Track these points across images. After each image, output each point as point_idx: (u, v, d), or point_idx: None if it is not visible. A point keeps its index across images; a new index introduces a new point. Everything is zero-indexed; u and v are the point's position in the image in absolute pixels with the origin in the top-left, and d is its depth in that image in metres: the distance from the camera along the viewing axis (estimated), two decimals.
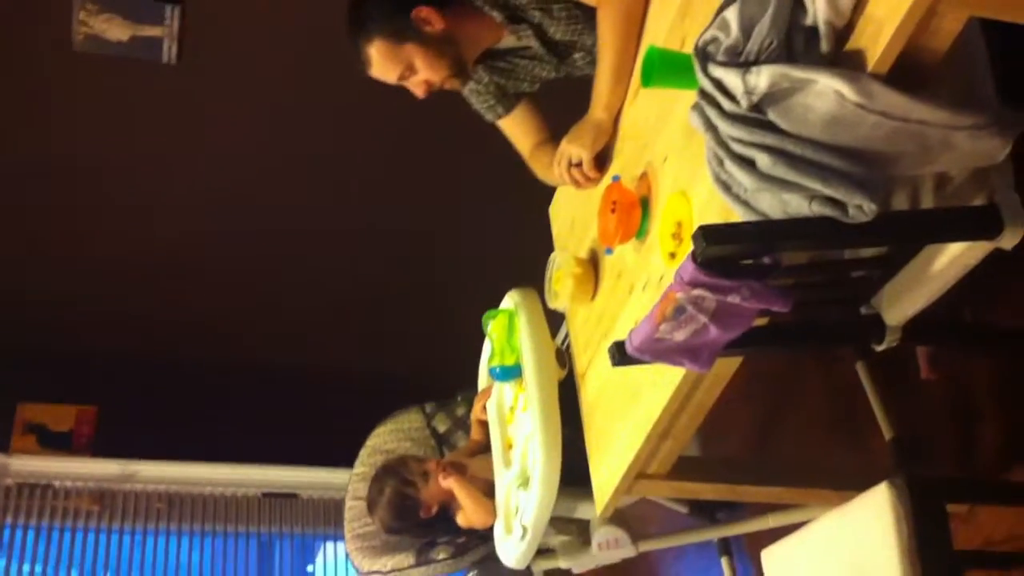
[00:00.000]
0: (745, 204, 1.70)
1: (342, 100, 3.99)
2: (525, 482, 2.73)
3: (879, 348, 2.13)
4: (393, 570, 3.37)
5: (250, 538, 5.13)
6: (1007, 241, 1.76)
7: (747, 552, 3.56)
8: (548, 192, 2.99)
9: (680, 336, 1.78)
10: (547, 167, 2.72)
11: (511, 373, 2.82)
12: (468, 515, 3.03)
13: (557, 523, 2.91)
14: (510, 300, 2.90)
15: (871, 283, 2.05)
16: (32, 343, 4.83)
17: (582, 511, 2.86)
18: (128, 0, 3.75)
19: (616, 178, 2.40)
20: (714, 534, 3.25)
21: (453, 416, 3.66)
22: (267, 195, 4.48)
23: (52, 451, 5.02)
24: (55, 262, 4.66)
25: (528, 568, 2.83)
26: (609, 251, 2.43)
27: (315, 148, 4.30)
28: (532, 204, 3.08)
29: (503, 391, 2.97)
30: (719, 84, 1.67)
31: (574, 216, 2.80)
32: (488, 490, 2.97)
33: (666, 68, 2.00)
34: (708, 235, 1.63)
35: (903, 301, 2.03)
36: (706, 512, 3.35)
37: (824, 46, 1.62)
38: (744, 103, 1.64)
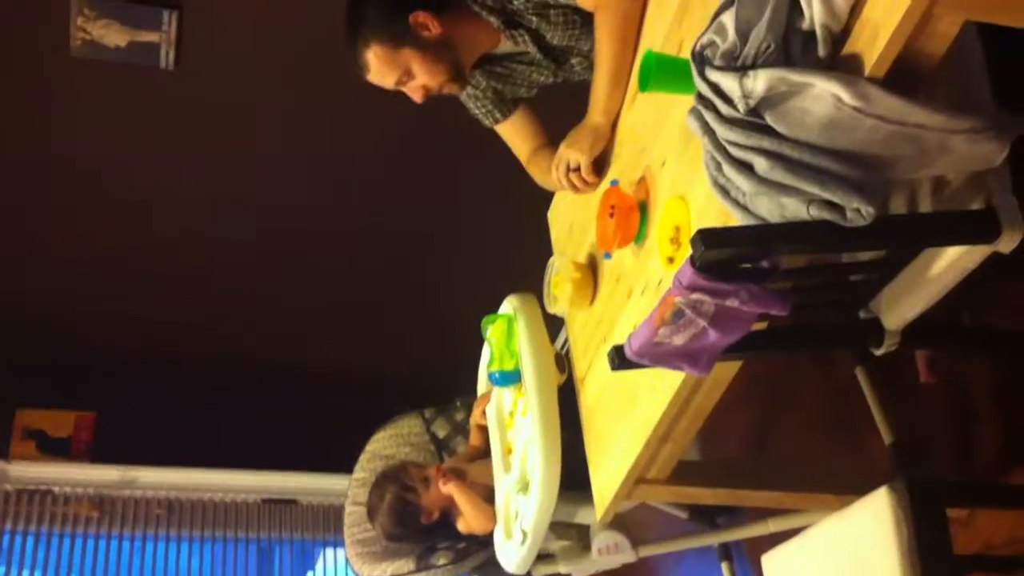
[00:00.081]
0: (743, 208, 1.70)
1: (340, 104, 3.99)
2: (525, 487, 2.73)
3: (878, 352, 2.13)
4: (393, 575, 3.37)
5: (250, 544, 5.12)
6: (1005, 244, 1.76)
7: (747, 557, 3.56)
8: (547, 197, 2.99)
9: (679, 340, 1.78)
10: (545, 172, 2.72)
11: (510, 378, 2.82)
12: (468, 521, 3.04)
13: (557, 528, 2.92)
14: (509, 305, 2.90)
15: (869, 287, 2.05)
16: (31, 349, 4.83)
17: (582, 516, 2.87)
18: (126, 6, 3.75)
19: (614, 182, 2.40)
20: (714, 539, 3.26)
21: (452, 421, 3.66)
22: (266, 200, 4.48)
23: (51, 457, 5.01)
24: (54, 267, 4.66)
25: (528, 573, 2.83)
26: (608, 255, 2.43)
27: (313, 152, 4.30)
28: (531, 209, 3.09)
29: (502, 396, 2.97)
30: (716, 88, 1.67)
31: (572, 221, 2.80)
32: (488, 495, 2.97)
33: (663, 72, 2.00)
34: (706, 239, 1.63)
35: (902, 305, 2.03)
36: (706, 517, 3.36)
37: (821, 50, 1.62)
38: (741, 107, 1.63)
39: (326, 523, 5.19)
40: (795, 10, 1.63)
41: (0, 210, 4.39)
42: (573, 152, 2.57)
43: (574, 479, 2.60)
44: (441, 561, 3.27)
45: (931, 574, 2.00)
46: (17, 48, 3.81)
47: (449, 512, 3.11)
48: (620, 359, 1.93)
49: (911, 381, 2.86)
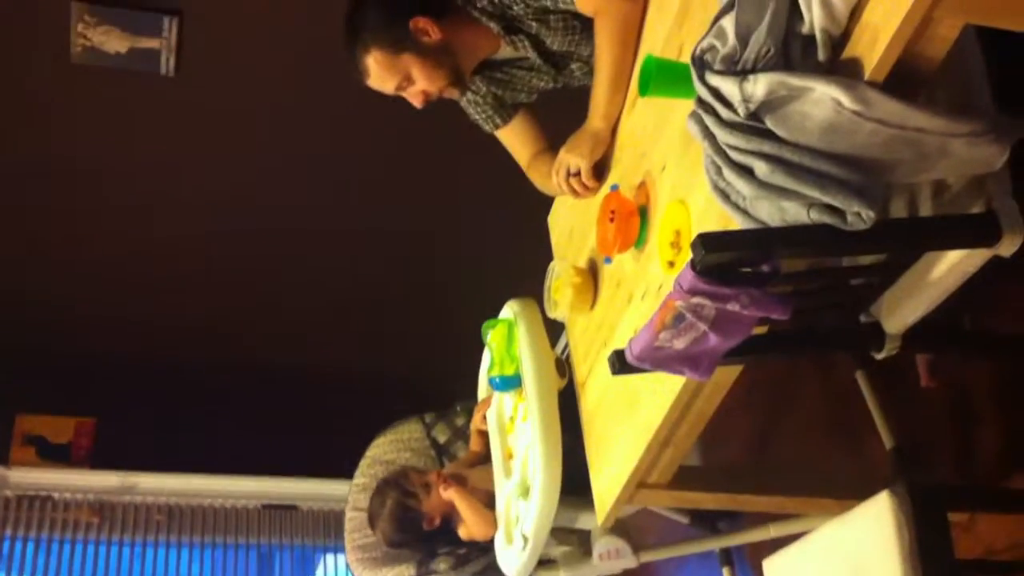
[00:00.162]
0: (743, 212, 1.70)
1: (340, 109, 3.99)
2: (525, 492, 2.73)
3: (879, 356, 2.13)
4: None
5: (250, 550, 5.12)
6: (1005, 248, 1.75)
7: (748, 562, 3.56)
8: (547, 201, 3.00)
9: (680, 344, 1.78)
10: (546, 177, 2.72)
11: (511, 383, 2.82)
12: (469, 527, 3.03)
13: (558, 533, 2.91)
14: (509, 310, 2.90)
15: (870, 291, 2.05)
16: (31, 354, 4.83)
17: (583, 521, 2.86)
18: (126, 12, 3.75)
19: (614, 187, 2.40)
20: (715, 544, 3.25)
21: (453, 426, 3.66)
22: (266, 204, 4.48)
23: (51, 463, 5.01)
24: (54, 272, 4.66)
25: None
26: (608, 260, 2.43)
27: (313, 156, 4.30)
28: (531, 214, 3.09)
29: (503, 401, 2.97)
30: (716, 92, 1.67)
31: (573, 225, 2.80)
32: (488, 501, 2.96)
33: (664, 77, 2.00)
34: (707, 243, 1.62)
35: (902, 309, 2.03)
36: (707, 522, 3.35)
37: (821, 54, 1.62)
38: (741, 111, 1.63)
39: (326, 529, 5.18)
40: (795, 14, 1.62)
41: (1, 214, 4.39)
42: (573, 157, 2.57)
43: (575, 484, 2.60)
44: (442, 567, 3.27)
45: None
46: (18, 54, 3.81)
47: (450, 518, 3.10)
48: (621, 363, 1.93)
49: (912, 385, 2.86)
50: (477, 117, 2.85)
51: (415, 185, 4.44)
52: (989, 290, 2.08)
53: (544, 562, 2.95)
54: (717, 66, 1.69)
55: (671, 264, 2.08)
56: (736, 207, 1.70)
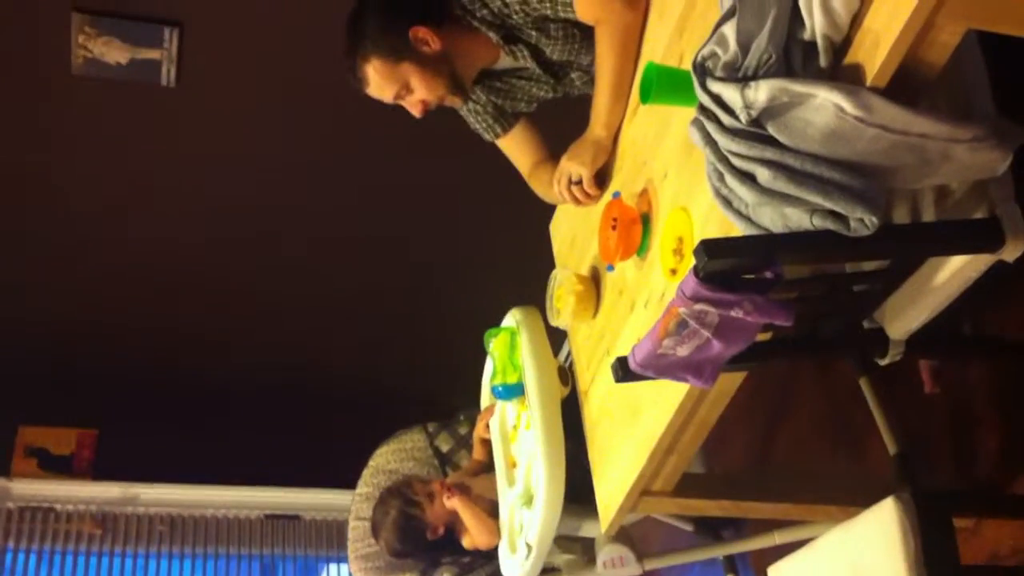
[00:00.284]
0: (746, 219, 1.70)
1: (341, 118, 3.99)
2: (529, 501, 2.73)
3: (882, 362, 2.13)
4: None
5: (253, 560, 5.11)
6: (1009, 253, 1.75)
7: (752, 569, 3.55)
8: (549, 210, 2.99)
9: (683, 351, 1.78)
10: (547, 185, 2.72)
11: (513, 391, 2.81)
12: (473, 536, 3.03)
13: (561, 542, 2.91)
14: (511, 318, 2.90)
15: (873, 297, 2.05)
16: (33, 366, 4.83)
17: (587, 529, 2.86)
18: (127, 23, 3.76)
19: (616, 195, 2.40)
20: (719, 551, 3.25)
21: (456, 435, 3.66)
22: (268, 215, 4.49)
23: (53, 474, 5.02)
24: (55, 284, 4.67)
25: None
26: (610, 268, 2.43)
27: (314, 165, 4.30)
28: (533, 222, 3.09)
29: (505, 409, 2.97)
30: (718, 99, 1.67)
31: (575, 233, 2.80)
32: (492, 510, 2.96)
33: (665, 84, 2.00)
34: (710, 249, 1.62)
35: (906, 314, 2.02)
36: (711, 530, 3.35)
37: (822, 60, 1.62)
38: (743, 118, 1.63)
39: (329, 539, 5.18)
40: (796, 21, 1.63)
41: (1, 225, 4.39)
42: (575, 165, 2.57)
43: (578, 492, 2.60)
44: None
45: None
46: (18, 66, 3.82)
47: (453, 527, 3.10)
48: (624, 371, 1.93)
49: (915, 391, 2.86)
50: (477, 126, 2.85)
51: (416, 194, 4.45)
52: (993, 295, 2.08)
53: (548, 570, 2.95)
54: (719, 73, 1.69)
55: (673, 271, 2.08)
56: (738, 214, 1.70)
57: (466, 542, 3.07)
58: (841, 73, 1.60)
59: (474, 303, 3.71)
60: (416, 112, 2.66)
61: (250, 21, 3.78)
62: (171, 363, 5.08)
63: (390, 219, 4.56)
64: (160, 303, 4.83)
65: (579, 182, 2.58)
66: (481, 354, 3.01)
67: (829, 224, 1.59)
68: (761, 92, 1.60)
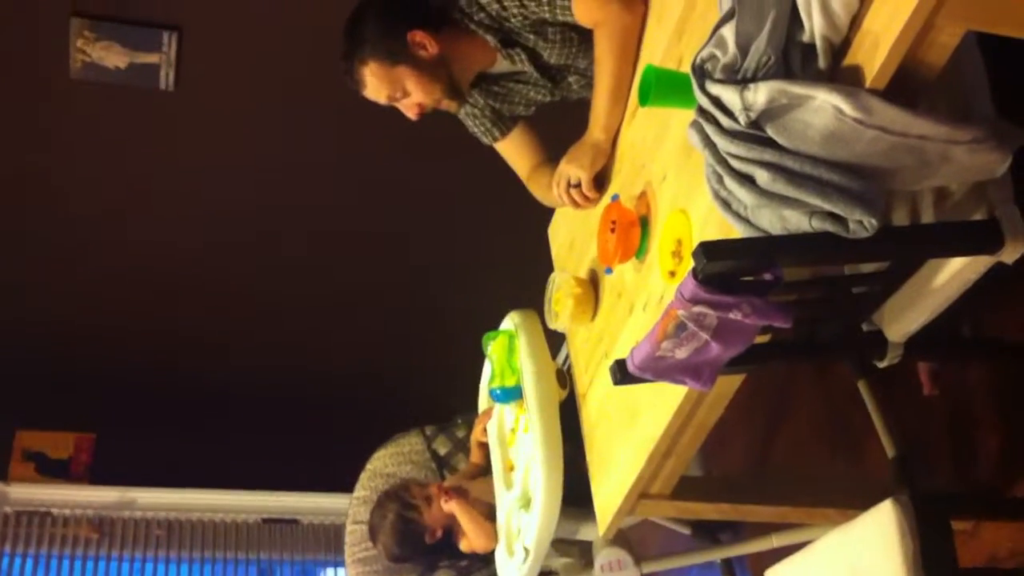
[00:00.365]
0: (745, 221, 1.70)
1: (340, 121, 4.00)
2: (527, 504, 2.73)
3: (881, 364, 2.13)
4: None
5: (250, 565, 5.10)
6: (1008, 255, 1.75)
7: (750, 572, 3.55)
8: (547, 213, 3.00)
9: (682, 353, 1.78)
10: (546, 188, 2.72)
11: (512, 394, 2.81)
12: (470, 540, 3.02)
13: (559, 545, 2.91)
14: (510, 321, 2.90)
15: (872, 299, 2.05)
16: (30, 370, 4.82)
17: (584, 533, 2.85)
18: (125, 27, 3.76)
19: (615, 198, 2.40)
20: (717, 555, 3.25)
21: (453, 438, 3.65)
22: (267, 220, 4.49)
23: (51, 479, 5.01)
24: (53, 288, 4.66)
25: None
26: (609, 271, 2.43)
27: (313, 169, 4.30)
28: (531, 225, 3.09)
29: (504, 413, 2.97)
30: (717, 101, 1.67)
31: (573, 236, 2.80)
32: (489, 513, 2.96)
33: (664, 87, 2.00)
34: (709, 251, 1.62)
35: (905, 317, 2.02)
36: (709, 533, 3.35)
37: (821, 62, 1.62)
38: (742, 120, 1.63)
39: (327, 543, 5.17)
40: (795, 23, 1.63)
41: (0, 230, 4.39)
42: (573, 168, 2.57)
43: (576, 496, 2.59)
44: None
45: None
46: (17, 70, 3.82)
47: (451, 531, 3.09)
48: (622, 374, 1.92)
49: (914, 393, 2.86)
50: (476, 130, 2.85)
51: (414, 196, 4.45)
52: (992, 297, 2.08)
53: (545, 574, 2.94)
54: (718, 75, 1.69)
55: (672, 274, 2.08)
56: (737, 216, 1.70)
57: (463, 546, 3.06)
58: (840, 75, 1.61)
59: (472, 306, 3.71)
60: (412, 115, 2.67)
61: (249, 25, 3.78)
62: (168, 367, 5.07)
63: (388, 222, 4.56)
64: (157, 307, 4.82)
65: (578, 185, 2.58)
66: (479, 357, 3.01)
67: (828, 226, 1.59)
68: (760, 94, 1.60)
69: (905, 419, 2.72)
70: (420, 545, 3.12)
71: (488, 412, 3.05)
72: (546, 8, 2.50)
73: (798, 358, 2.26)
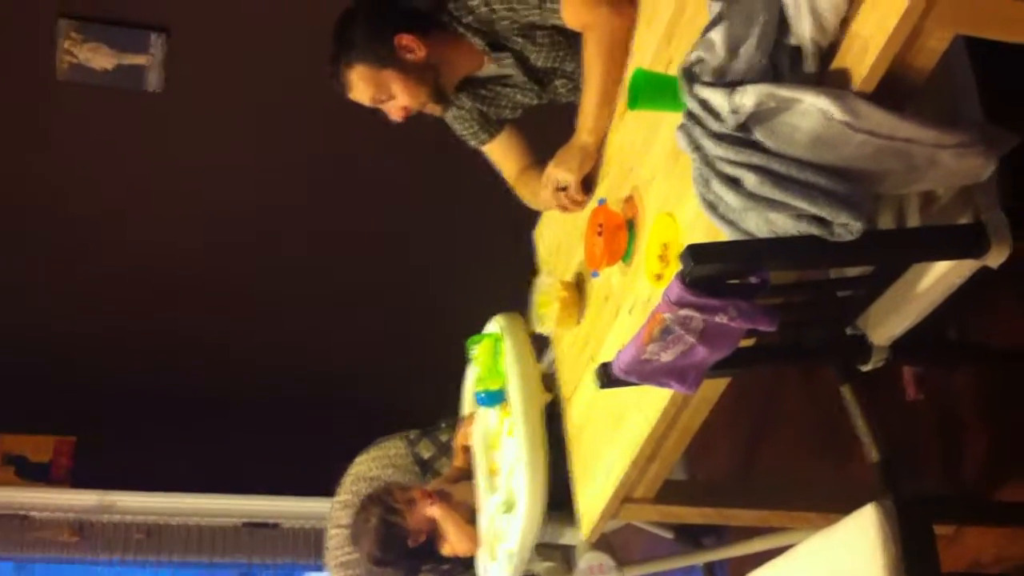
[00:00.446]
0: (732, 224, 1.70)
1: (328, 122, 3.99)
2: (510, 508, 2.72)
3: (865, 368, 2.13)
4: None
5: (231, 568, 5.09)
6: (993, 259, 1.76)
7: None
8: (533, 216, 3.00)
9: (667, 357, 1.78)
10: (533, 192, 2.73)
11: (496, 398, 2.81)
12: (453, 544, 3.02)
13: (542, 549, 2.90)
14: (495, 324, 2.90)
15: (857, 303, 2.05)
16: (10, 374, 4.79)
17: (567, 537, 2.85)
18: (113, 29, 3.75)
19: (602, 201, 2.40)
20: (700, 559, 3.25)
21: (437, 442, 3.65)
22: (250, 222, 4.47)
23: (30, 482, 4.98)
24: (33, 291, 4.64)
25: None
26: (595, 274, 2.43)
27: (302, 174, 4.30)
28: (517, 228, 3.09)
29: (488, 416, 2.96)
30: (705, 104, 1.68)
31: (560, 240, 2.80)
32: (472, 517, 2.95)
33: (652, 90, 2.01)
34: (696, 254, 1.62)
35: (890, 320, 2.03)
36: (692, 537, 3.35)
37: (810, 65, 1.63)
38: (730, 122, 1.64)
39: (309, 546, 5.14)
40: (784, 26, 1.63)
41: None
42: (561, 171, 2.57)
43: (559, 500, 2.59)
44: None
45: None
46: (3, 71, 3.81)
47: (434, 535, 3.08)
48: (607, 377, 1.93)
49: (898, 398, 2.87)
50: (463, 133, 2.86)
51: (399, 200, 4.44)
52: (977, 302, 2.09)
53: None
54: (706, 78, 1.70)
55: (659, 277, 2.08)
56: (724, 219, 1.71)
57: (446, 550, 3.05)
58: (828, 78, 1.61)
59: (457, 310, 3.70)
60: (397, 117, 2.68)
61: (237, 27, 3.78)
62: (149, 371, 5.04)
63: (373, 226, 4.56)
64: (139, 312, 4.80)
65: (565, 188, 2.58)
66: (464, 361, 3.00)
67: (814, 229, 1.60)
68: (748, 97, 1.60)
69: (889, 424, 2.73)
70: (402, 549, 3.11)
71: (472, 416, 3.05)
72: (535, 11, 2.51)
73: (783, 362, 2.27)
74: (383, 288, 4.85)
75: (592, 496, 2.42)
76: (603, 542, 2.85)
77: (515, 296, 2.67)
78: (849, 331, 2.11)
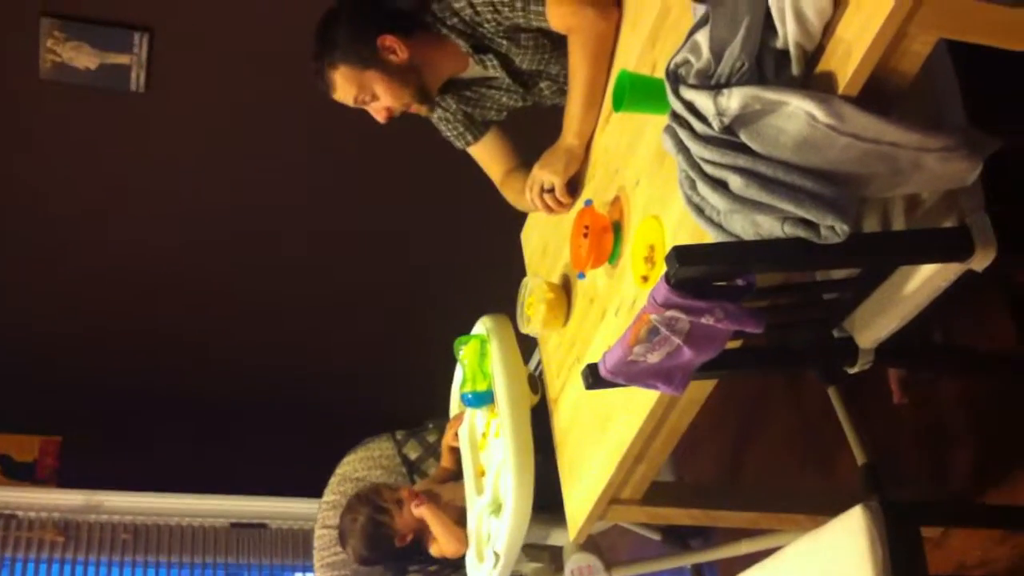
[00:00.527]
0: (718, 226, 1.70)
1: (312, 122, 3.98)
2: (497, 509, 2.72)
3: (852, 371, 2.13)
4: None
5: (218, 569, 5.07)
6: (978, 262, 1.76)
7: None
8: (520, 217, 3.00)
9: (654, 358, 1.78)
10: (519, 193, 2.73)
11: (483, 399, 2.81)
12: (440, 544, 3.01)
13: (529, 550, 2.90)
14: (482, 326, 2.90)
15: (843, 305, 2.06)
16: None
17: (555, 538, 2.85)
18: (96, 28, 3.73)
19: (588, 203, 2.40)
20: (687, 560, 3.25)
21: (424, 443, 3.64)
22: (235, 221, 4.46)
23: (16, 482, 4.97)
24: (18, 290, 4.62)
25: None
26: (581, 276, 2.43)
27: (286, 173, 4.29)
28: (504, 229, 3.08)
29: (475, 417, 2.96)
30: (691, 106, 1.68)
31: (546, 241, 2.80)
32: (460, 518, 2.95)
33: (638, 92, 2.01)
34: (681, 256, 1.62)
35: (875, 323, 2.03)
36: (679, 539, 3.35)
37: (795, 68, 1.62)
38: (716, 125, 1.64)
39: (296, 547, 5.14)
40: (769, 29, 1.63)
41: None
42: (547, 173, 2.57)
43: (547, 501, 2.59)
44: None
45: None
46: None
47: (421, 535, 3.08)
48: (594, 378, 1.93)
49: (884, 402, 2.87)
50: (448, 134, 2.86)
51: (386, 200, 4.44)
52: (962, 304, 2.09)
53: None
54: (691, 80, 1.69)
55: (644, 279, 2.08)
56: (710, 221, 1.71)
57: (434, 550, 3.05)
58: (813, 81, 1.61)
59: (444, 311, 3.70)
60: (380, 118, 2.69)
61: (220, 26, 3.77)
62: (136, 371, 5.03)
63: (360, 227, 4.55)
64: (124, 311, 4.79)
65: (551, 190, 2.58)
66: (451, 362, 3.00)
67: (800, 232, 1.60)
68: (734, 99, 1.60)
69: (876, 428, 2.74)
70: (390, 549, 3.10)
71: (459, 417, 3.04)
72: (520, 14, 2.50)
73: (770, 364, 2.26)
74: (376, 288, 4.85)
75: (579, 497, 2.42)
76: (591, 543, 2.85)
77: (510, 297, 2.67)
78: (835, 334, 2.11)
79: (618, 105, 2.03)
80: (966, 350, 2.60)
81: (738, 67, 1.62)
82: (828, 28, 1.59)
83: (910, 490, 2.85)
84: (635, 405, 2.12)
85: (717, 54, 1.66)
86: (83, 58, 3.76)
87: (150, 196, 4.31)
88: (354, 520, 3.10)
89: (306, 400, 5.13)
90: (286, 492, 5.10)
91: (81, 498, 4.98)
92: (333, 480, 3.75)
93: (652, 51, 2.24)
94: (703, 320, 1.69)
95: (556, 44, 2.60)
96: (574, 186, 2.58)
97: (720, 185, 1.64)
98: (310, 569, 4.11)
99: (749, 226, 1.65)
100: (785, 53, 1.63)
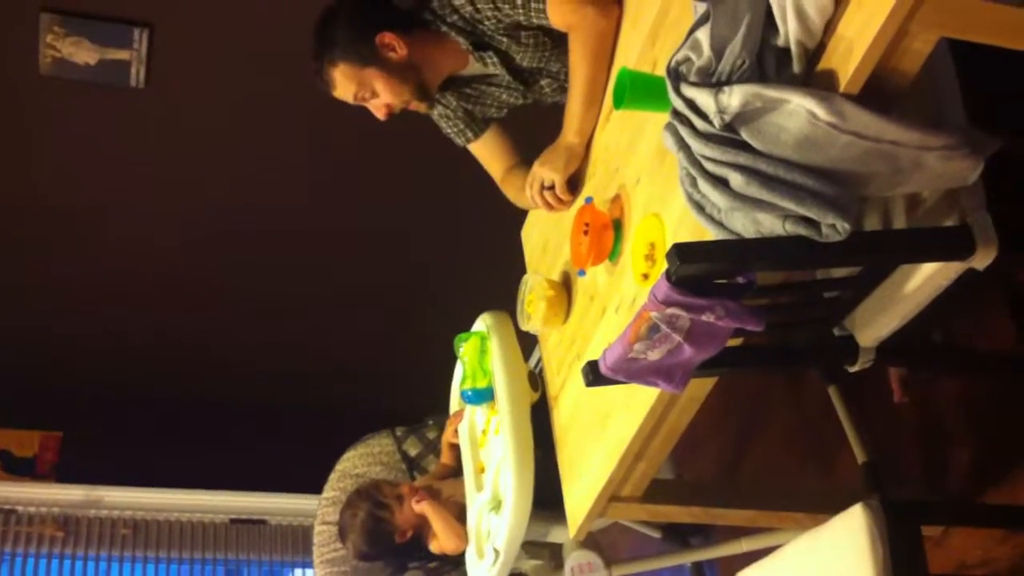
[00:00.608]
0: (718, 224, 1.70)
1: (313, 119, 3.98)
2: (497, 506, 2.72)
3: (852, 369, 2.13)
4: None
5: (218, 565, 5.07)
6: (979, 261, 1.76)
7: None
8: (520, 215, 2.99)
9: (654, 355, 1.78)
10: (519, 190, 2.72)
11: (483, 396, 2.81)
12: (440, 541, 3.01)
13: (529, 547, 2.90)
14: (482, 323, 2.90)
15: (844, 304, 2.05)
16: None
17: (555, 535, 2.85)
18: (96, 24, 3.73)
19: (588, 200, 2.40)
20: (687, 558, 3.25)
21: (424, 440, 3.64)
22: (236, 218, 4.46)
23: (16, 477, 4.97)
24: (18, 286, 4.62)
25: None
26: (582, 273, 2.43)
27: (286, 171, 4.28)
28: (504, 227, 3.08)
29: (475, 414, 2.96)
30: (691, 104, 1.67)
31: (546, 239, 2.80)
32: (460, 514, 2.95)
33: (638, 89, 2.00)
34: (682, 253, 1.62)
35: (876, 322, 2.03)
36: (679, 536, 3.35)
37: (796, 66, 1.62)
38: (716, 122, 1.64)
39: (295, 543, 5.14)
40: (770, 27, 1.63)
41: None
42: (547, 171, 2.57)
43: (547, 498, 2.59)
44: None
45: None
46: None
47: (421, 531, 3.08)
48: (594, 375, 1.92)
49: (885, 401, 2.87)
50: (449, 131, 2.85)
51: (387, 198, 4.43)
52: (963, 303, 2.09)
53: None
54: (692, 78, 1.69)
55: (645, 277, 2.08)
56: (711, 219, 1.70)
57: (434, 547, 3.05)
58: (814, 79, 1.61)
59: (444, 308, 3.70)
60: (380, 115, 2.69)
61: (220, 22, 3.76)
62: (135, 366, 5.04)
63: (361, 223, 4.55)
64: (125, 306, 4.79)
65: (551, 187, 2.58)
66: (451, 359, 3.00)
67: (801, 230, 1.59)
68: (734, 97, 1.60)
69: (876, 426, 2.74)
70: (390, 544, 3.10)
71: (459, 414, 3.04)
72: (520, 11, 2.50)
73: (771, 362, 2.26)
74: (377, 286, 4.84)
75: (579, 494, 2.42)
76: (591, 541, 2.85)
77: (510, 295, 2.67)
78: (836, 332, 2.11)
79: (618, 103, 2.02)
80: (966, 350, 2.60)
81: (739, 65, 1.62)
82: (829, 26, 1.59)
83: (910, 489, 2.85)
84: (635, 403, 2.12)
85: (718, 52, 1.66)
86: (83, 54, 3.75)
87: (150, 191, 4.30)
88: (354, 516, 3.10)
89: (306, 396, 5.13)
90: (286, 488, 5.11)
91: (81, 493, 4.99)
92: (333, 476, 3.75)
93: (653, 49, 2.23)
94: (704, 318, 1.69)
95: (557, 42, 2.59)
96: (574, 184, 2.58)
97: (721, 183, 1.64)
98: (310, 565, 4.11)
99: (750, 224, 1.65)
100: (786, 51, 1.63)
